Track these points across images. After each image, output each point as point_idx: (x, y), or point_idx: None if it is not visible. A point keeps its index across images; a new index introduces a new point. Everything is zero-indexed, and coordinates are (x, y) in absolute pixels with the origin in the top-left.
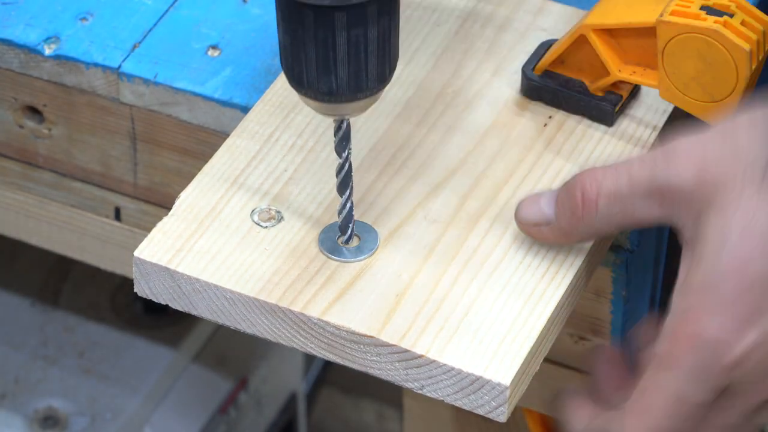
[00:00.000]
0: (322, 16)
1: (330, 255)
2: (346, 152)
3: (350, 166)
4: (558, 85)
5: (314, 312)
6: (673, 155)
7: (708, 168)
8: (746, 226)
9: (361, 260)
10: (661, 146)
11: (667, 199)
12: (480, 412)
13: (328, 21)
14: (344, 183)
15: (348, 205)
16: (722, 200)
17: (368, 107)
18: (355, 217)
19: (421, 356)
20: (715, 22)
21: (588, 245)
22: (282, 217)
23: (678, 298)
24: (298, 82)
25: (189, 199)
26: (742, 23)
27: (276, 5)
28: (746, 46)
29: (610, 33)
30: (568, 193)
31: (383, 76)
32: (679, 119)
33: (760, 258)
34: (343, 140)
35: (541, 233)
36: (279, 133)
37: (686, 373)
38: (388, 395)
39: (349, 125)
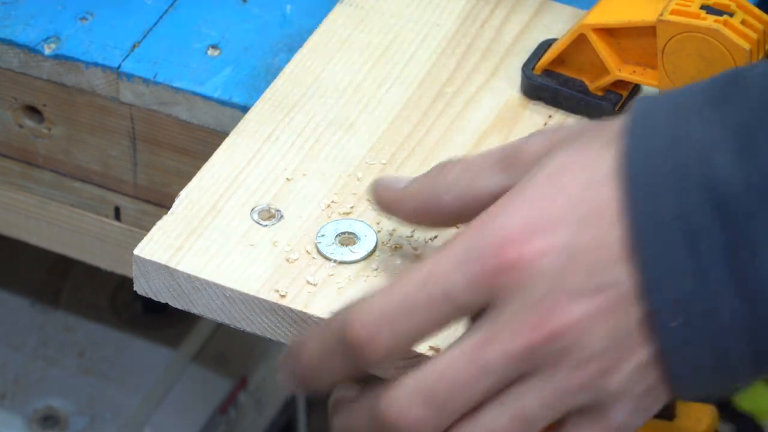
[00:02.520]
0: None
1: (327, 256)
2: None
3: None
4: (558, 84)
5: (314, 310)
6: (531, 135)
7: (556, 136)
8: (566, 160)
9: (358, 261)
10: None
11: (510, 163)
12: None
13: None
14: None
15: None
16: (556, 151)
17: None
18: (356, 214)
19: (421, 354)
20: (715, 21)
21: None
22: (282, 216)
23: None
24: None
25: (189, 197)
26: (743, 22)
27: None
28: (746, 46)
29: (610, 32)
30: (433, 167)
31: None
32: None
33: (573, 173)
34: None
35: (384, 195)
36: (279, 133)
37: (452, 253)
38: None
39: None
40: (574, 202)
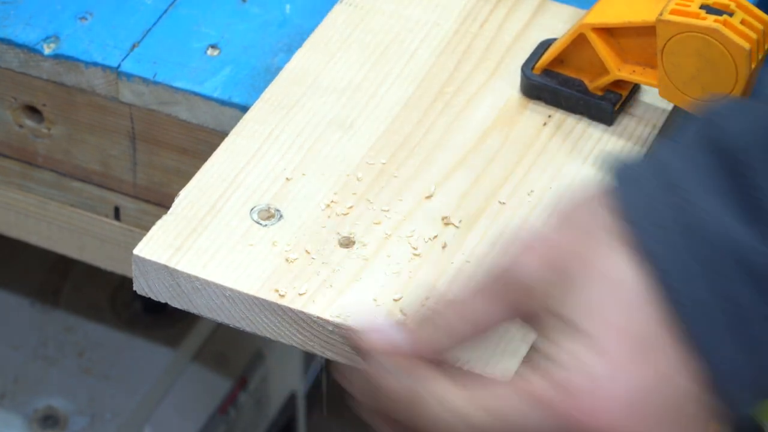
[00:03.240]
0: None
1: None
2: None
3: None
4: (557, 84)
5: (314, 310)
6: (516, 253)
7: (551, 251)
8: (614, 294)
9: None
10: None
11: (510, 295)
12: None
13: None
14: None
15: None
16: (583, 278)
17: None
18: (356, 214)
19: None
20: (715, 21)
21: None
22: (281, 216)
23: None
24: None
25: (188, 197)
26: (742, 22)
27: None
28: (746, 45)
29: (610, 32)
30: (417, 312)
31: None
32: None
33: (637, 314)
34: None
35: (386, 349)
36: (278, 132)
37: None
38: None
39: None
40: (629, 345)
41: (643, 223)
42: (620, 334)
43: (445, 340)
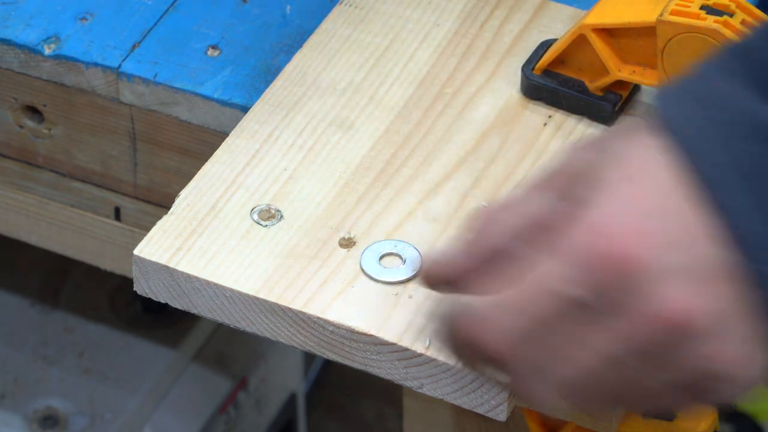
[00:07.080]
0: None
1: (371, 276)
2: None
3: None
4: (558, 84)
5: (314, 310)
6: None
7: (601, 145)
8: (629, 170)
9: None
10: None
11: (561, 178)
12: (480, 410)
13: None
14: None
15: None
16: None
17: None
18: (356, 214)
19: (420, 354)
20: (715, 21)
21: None
22: (282, 216)
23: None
24: None
25: (189, 197)
26: (742, 23)
27: None
28: None
29: (610, 32)
30: (468, 224)
31: None
32: None
33: (653, 184)
34: None
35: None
36: (279, 133)
37: (573, 257)
38: (388, 395)
39: None
40: (640, 209)
41: (676, 117)
42: (627, 201)
43: (500, 236)
